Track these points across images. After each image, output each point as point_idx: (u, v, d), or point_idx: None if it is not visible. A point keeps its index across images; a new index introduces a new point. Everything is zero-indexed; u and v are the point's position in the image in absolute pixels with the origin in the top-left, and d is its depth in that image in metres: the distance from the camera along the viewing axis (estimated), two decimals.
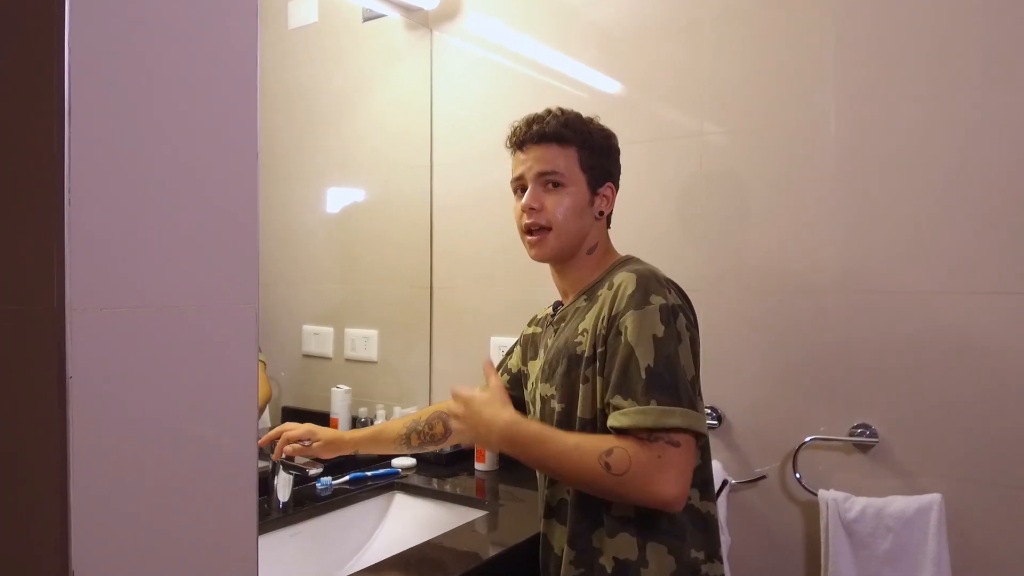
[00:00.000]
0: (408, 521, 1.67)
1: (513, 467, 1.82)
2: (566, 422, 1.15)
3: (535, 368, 1.29)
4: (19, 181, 0.54)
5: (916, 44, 1.42)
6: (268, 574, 1.41)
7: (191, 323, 0.58)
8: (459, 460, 1.92)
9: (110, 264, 0.53)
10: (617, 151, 1.27)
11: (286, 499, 1.51)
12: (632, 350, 1.04)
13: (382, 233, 2.10)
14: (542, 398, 1.22)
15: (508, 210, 2.04)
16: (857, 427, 1.48)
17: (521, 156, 1.23)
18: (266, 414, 1.90)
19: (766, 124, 1.58)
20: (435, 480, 1.78)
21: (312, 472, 1.47)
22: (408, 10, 2.07)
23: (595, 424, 1.10)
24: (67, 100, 0.50)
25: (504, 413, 1.14)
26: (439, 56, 2.10)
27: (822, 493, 1.44)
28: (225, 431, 0.61)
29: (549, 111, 1.22)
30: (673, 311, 1.07)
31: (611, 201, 1.25)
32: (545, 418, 1.20)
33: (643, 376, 1.02)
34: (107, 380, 0.52)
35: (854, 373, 1.48)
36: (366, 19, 2.07)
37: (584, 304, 1.19)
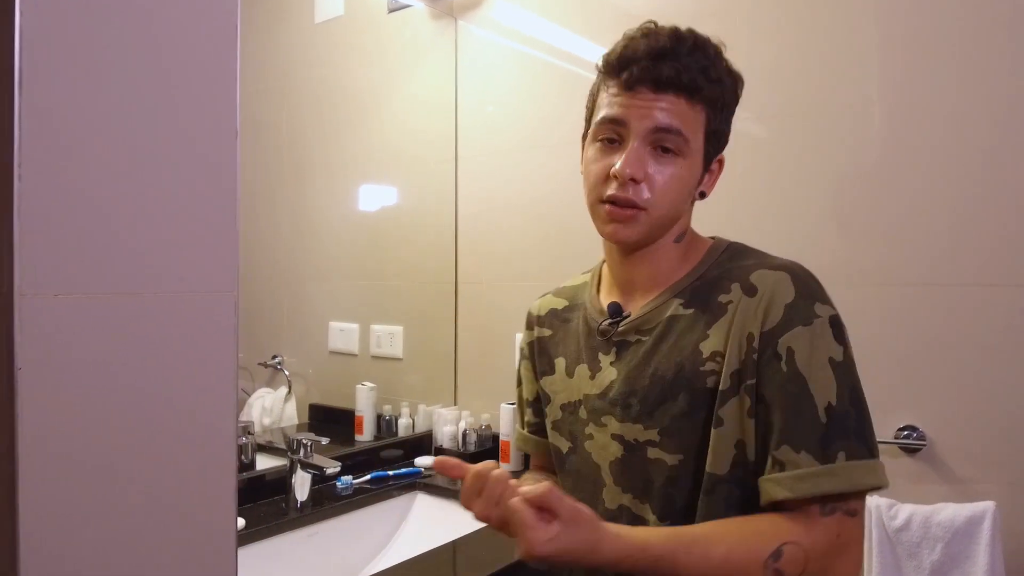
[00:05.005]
0: (430, 522, 1.62)
1: None
2: (684, 481, 0.84)
3: (571, 387, 0.97)
4: None
5: (961, 21, 1.33)
6: None
7: (160, 312, 0.54)
8: (483, 459, 1.86)
9: (66, 246, 0.48)
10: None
11: (304, 498, 1.48)
12: (805, 383, 0.77)
13: (407, 229, 2.07)
14: (625, 442, 0.88)
15: (534, 205, 2.03)
16: (903, 429, 1.38)
17: (625, 96, 0.84)
18: (293, 409, 1.88)
19: (804, 111, 1.50)
20: (459, 480, 1.73)
21: (330, 471, 1.43)
22: None
23: (730, 483, 0.81)
24: (17, 66, 0.46)
25: (604, 548, 0.73)
26: (464, 46, 2.06)
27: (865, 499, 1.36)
28: (199, 431, 0.57)
29: (677, 35, 0.84)
30: (842, 324, 0.81)
31: (716, 178, 0.94)
32: (631, 473, 0.87)
33: (823, 419, 0.76)
34: (61, 372, 0.48)
35: (899, 371, 1.39)
36: (391, 10, 2.03)
37: (690, 312, 0.87)
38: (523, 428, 1.11)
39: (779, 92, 1.52)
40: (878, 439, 1.37)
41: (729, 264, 0.88)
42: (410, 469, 1.76)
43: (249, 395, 1.81)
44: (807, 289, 0.81)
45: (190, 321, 0.55)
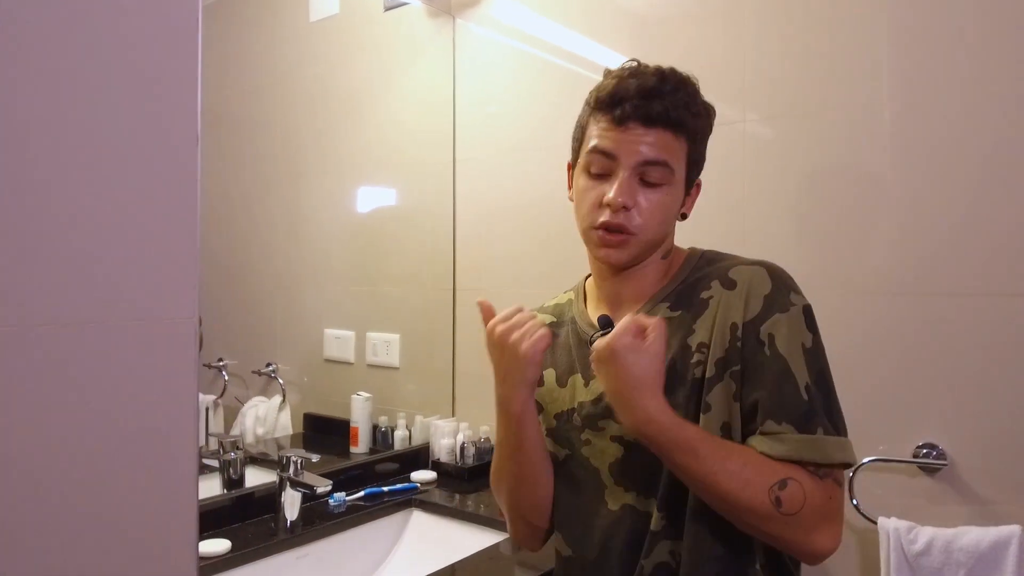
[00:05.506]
0: (426, 542, 1.56)
1: None
2: None
3: (563, 397, 1.00)
4: None
5: (972, 19, 1.26)
6: None
7: (109, 342, 0.47)
8: (481, 474, 1.80)
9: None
10: None
11: (294, 517, 1.42)
12: (787, 365, 0.84)
13: (404, 233, 2.02)
14: (625, 443, 0.92)
15: (534, 208, 1.97)
16: (922, 447, 1.31)
17: (616, 131, 0.90)
18: (287, 418, 1.83)
19: (813, 111, 1.43)
20: (457, 495, 1.67)
21: (320, 490, 1.36)
22: None
23: None
24: None
25: (649, 401, 0.81)
26: (462, 45, 2.00)
27: (882, 521, 1.29)
28: (156, 474, 0.50)
29: (662, 75, 0.90)
30: (813, 313, 0.88)
31: (695, 199, 1.00)
32: (633, 471, 0.92)
33: (805, 397, 0.83)
34: None
35: (917, 386, 1.32)
36: (388, 8, 2.00)
37: (677, 314, 0.92)
38: None
39: (785, 92, 1.46)
40: (896, 457, 1.31)
41: (707, 268, 0.96)
42: (406, 485, 1.70)
43: (243, 403, 1.76)
44: (782, 281, 0.89)
45: (143, 352, 0.49)
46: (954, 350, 1.29)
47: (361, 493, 1.61)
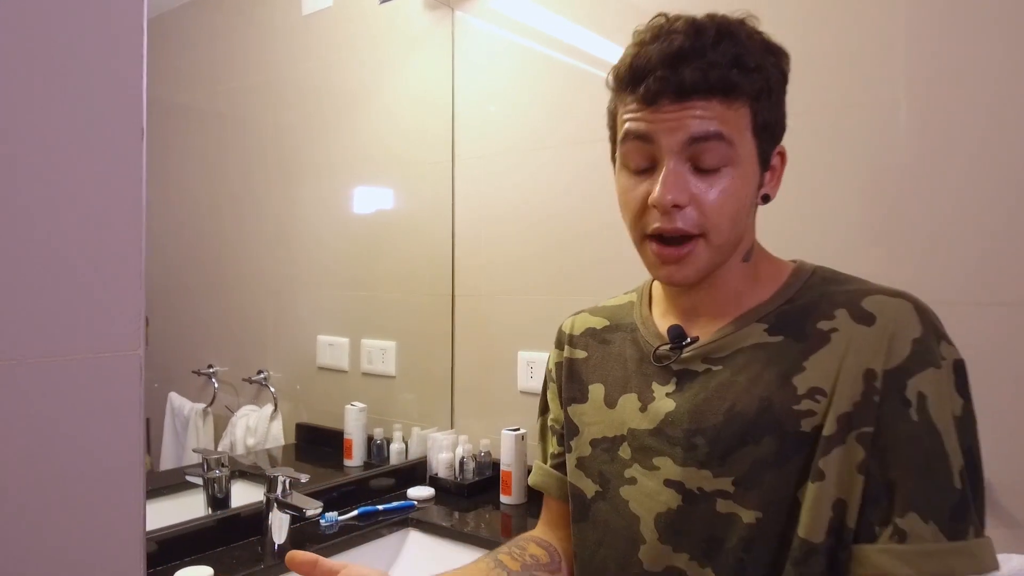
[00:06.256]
0: (425, 563, 1.47)
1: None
2: (763, 544, 0.69)
3: (610, 420, 0.83)
4: None
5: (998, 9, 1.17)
6: None
7: (48, 379, 0.39)
8: (481, 491, 1.72)
9: None
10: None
11: (282, 541, 1.33)
12: (940, 440, 0.65)
13: (401, 236, 1.95)
14: (685, 491, 0.73)
15: (538, 211, 1.87)
16: None
17: (647, 111, 0.70)
18: (279, 429, 1.75)
19: (827, 109, 1.34)
20: (456, 513, 1.58)
21: (310, 513, 1.27)
22: None
23: (823, 553, 0.66)
24: None
25: None
26: (461, 39, 1.92)
27: None
28: (99, 511, 0.42)
29: (695, 29, 0.70)
30: (966, 371, 0.69)
31: (780, 175, 0.79)
32: (690, 529, 0.73)
33: (958, 486, 0.64)
34: None
35: None
36: (383, 0, 1.91)
37: (778, 340, 0.73)
38: (545, 461, 0.97)
39: (805, 88, 1.37)
40: None
41: (824, 289, 0.75)
42: (402, 503, 1.61)
43: (233, 412, 1.69)
44: (932, 324, 0.69)
45: (81, 389, 0.40)
46: (988, 363, 1.20)
47: (355, 512, 1.52)
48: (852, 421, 0.66)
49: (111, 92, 0.42)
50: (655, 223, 0.71)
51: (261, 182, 1.75)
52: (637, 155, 0.72)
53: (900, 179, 1.28)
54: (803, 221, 1.37)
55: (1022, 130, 1.17)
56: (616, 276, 1.65)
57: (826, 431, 0.67)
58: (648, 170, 0.72)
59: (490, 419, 1.82)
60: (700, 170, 0.70)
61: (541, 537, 0.94)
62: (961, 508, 0.64)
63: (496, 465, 1.72)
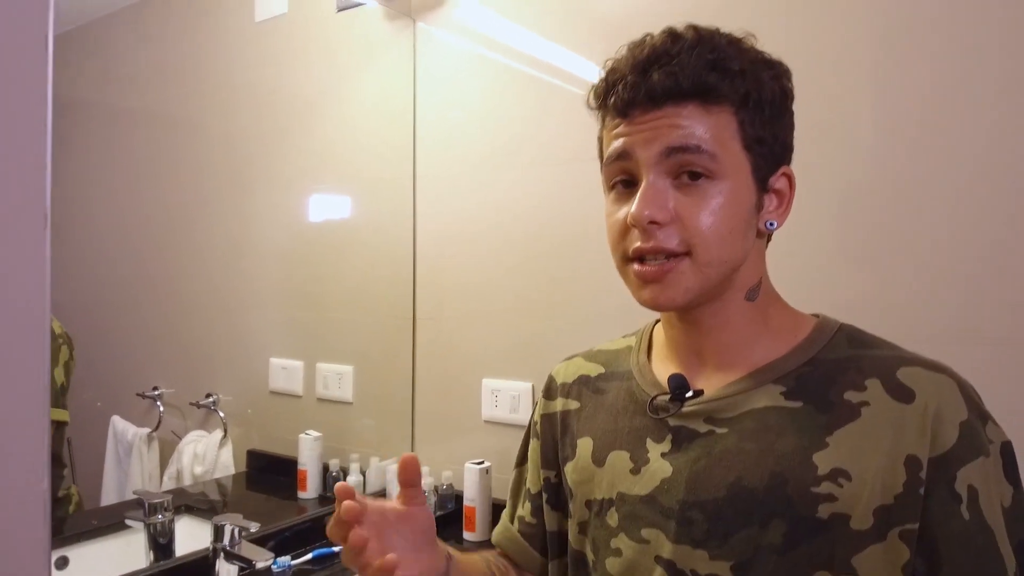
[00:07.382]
0: None
1: None
2: None
3: (599, 480, 0.75)
4: None
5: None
6: None
7: None
8: (444, 525, 1.64)
9: None
10: (792, 102, 0.73)
11: None
12: (993, 539, 0.59)
13: (359, 254, 1.88)
14: (676, 571, 0.66)
15: (503, 229, 1.79)
16: None
17: (623, 124, 0.67)
18: (229, 456, 1.67)
19: (813, 122, 1.31)
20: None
21: (260, 565, 1.19)
22: None
23: None
24: None
25: None
26: (423, 51, 1.85)
27: None
28: None
29: (671, 37, 0.66)
30: (1014, 454, 0.63)
31: (789, 201, 0.71)
32: None
33: None
34: None
35: None
36: (341, 8, 1.86)
37: (797, 406, 0.65)
38: (512, 522, 0.89)
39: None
40: None
41: (851, 351, 0.67)
42: None
43: (180, 438, 1.61)
44: (976, 403, 0.62)
45: None
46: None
47: (309, 556, 1.43)
48: (892, 516, 0.59)
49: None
50: (635, 243, 0.65)
51: (212, 193, 1.68)
52: (619, 175, 0.68)
53: (901, 191, 1.25)
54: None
55: (1005, 150, 1.15)
56: (586, 303, 1.60)
57: (857, 524, 0.60)
58: (631, 191, 0.67)
59: (452, 449, 1.75)
60: (684, 185, 0.65)
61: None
62: None
63: (459, 498, 1.65)
